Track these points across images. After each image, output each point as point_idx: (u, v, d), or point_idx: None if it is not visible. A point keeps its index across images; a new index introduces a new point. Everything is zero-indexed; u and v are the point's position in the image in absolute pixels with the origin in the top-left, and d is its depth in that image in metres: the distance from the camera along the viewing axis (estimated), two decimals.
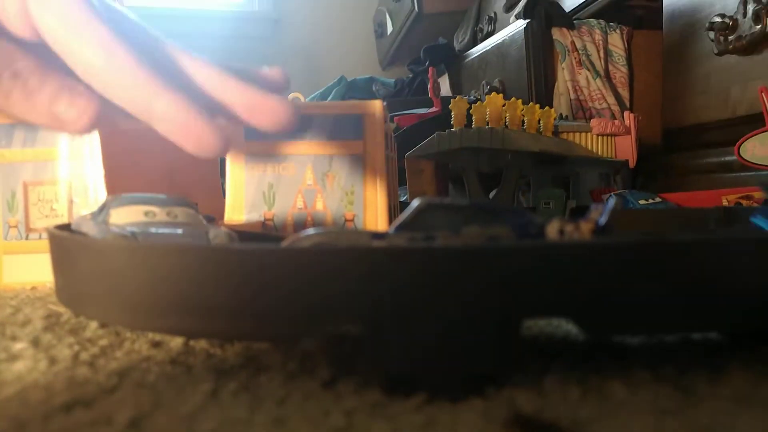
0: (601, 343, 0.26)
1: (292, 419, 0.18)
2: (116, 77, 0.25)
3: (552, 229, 0.22)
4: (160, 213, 0.26)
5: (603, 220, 0.23)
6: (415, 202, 0.23)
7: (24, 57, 0.26)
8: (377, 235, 0.23)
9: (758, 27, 0.78)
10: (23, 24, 0.25)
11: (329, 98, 1.38)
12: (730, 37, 0.84)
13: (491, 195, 0.81)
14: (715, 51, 0.87)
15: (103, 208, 0.27)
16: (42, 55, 0.26)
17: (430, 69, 1.11)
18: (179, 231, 0.26)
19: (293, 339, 0.25)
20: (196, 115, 0.25)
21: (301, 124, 0.41)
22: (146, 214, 0.26)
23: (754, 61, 0.81)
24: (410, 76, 1.46)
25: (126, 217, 0.25)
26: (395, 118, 1.02)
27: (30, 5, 0.25)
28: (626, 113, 1.00)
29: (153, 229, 0.25)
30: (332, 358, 0.23)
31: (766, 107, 0.72)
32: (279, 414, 0.18)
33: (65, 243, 0.24)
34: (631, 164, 0.89)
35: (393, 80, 1.50)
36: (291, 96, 0.47)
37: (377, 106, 0.40)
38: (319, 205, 0.39)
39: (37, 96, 0.25)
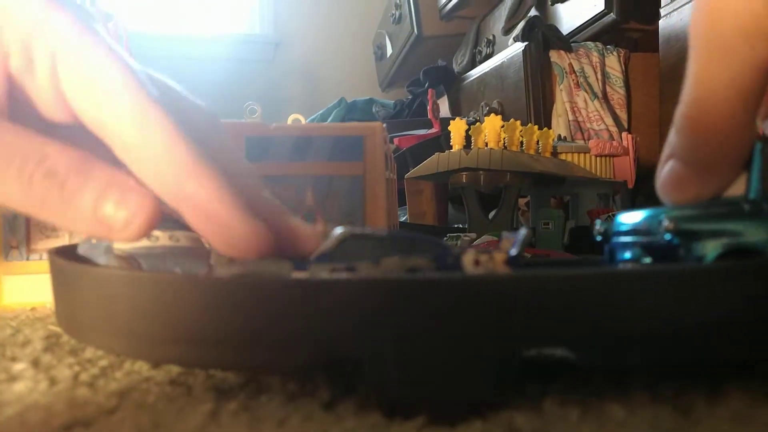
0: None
1: None
2: (147, 149, 0.20)
3: (468, 260, 0.23)
4: (162, 237, 0.26)
5: (514, 251, 0.24)
6: (337, 231, 0.24)
7: (59, 151, 0.20)
8: (299, 265, 0.23)
9: None
10: (55, 102, 0.21)
11: (329, 119, 1.40)
12: None
13: (491, 215, 0.81)
14: None
15: None
16: (81, 144, 0.21)
17: (430, 91, 1.13)
18: (180, 258, 0.26)
19: (296, 370, 0.24)
20: (233, 208, 0.21)
21: (302, 146, 0.42)
22: (149, 238, 0.26)
23: None
24: (410, 97, 1.48)
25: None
26: (395, 139, 1.03)
27: (62, 77, 0.21)
28: (624, 134, 1.01)
29: (151, 256, 0.25)
30: (332, 380, 0.23)
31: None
32: None
33: (65, 269, 0.24)
34: (630, 184, 0.90)
35: (392, 102, 1.52)
36: (291, 118, 0.48)
37: (377, 127, 0.40)
38: (319, 227, 0.39)
39: (79, 198, 0.20)
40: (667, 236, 0.24)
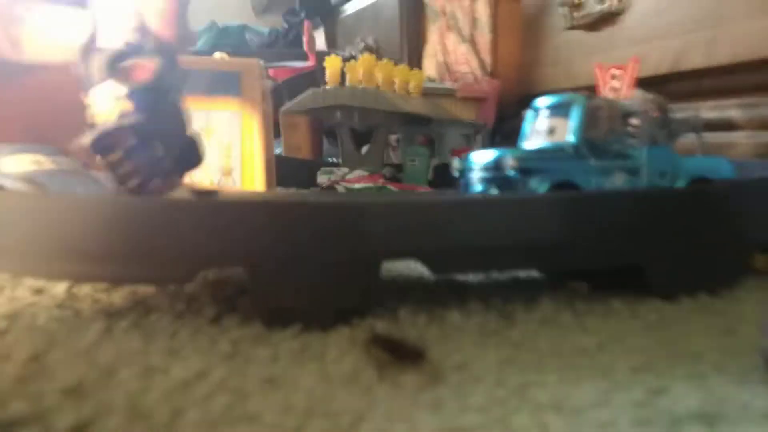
0: (447, 281, 0.31)
1: (185, 349, 0.20)
2: None
3: None
4: (46, 162, 0.26)
5: None
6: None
7: None
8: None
9: (601, 6, 0.88)
10: None
11: (199, 44, 1.33)
12: (577, 14, 0.93)
13: (363, 151, 0.84)
14: (565, 26, 0.96)
15: None
16: None
17: (306, 22, 1.11)
18: (75, 180, 0.26)
19: (181, 282, 0.27)
20: None
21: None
22: (34, 162, 0.26)
23: (596, 37, 0.92)
24: (285, 26, 1.44)
25: (15, 166, 0.25)
26: (270, 70, 1.02)
27: None
28: (487, 78, 1.09)
29: (52, 177, 0.25)
30: (217, 300, 0.26)
31: (598, 80, 0.82)
32: (172, 345, 0.21)
33: None
34: (490, 125, 0.97)
35: (267, 30, 1.47)
36: None
37: (255, 64, 0.41)
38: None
39: None
40: (510, 172, 0.30)
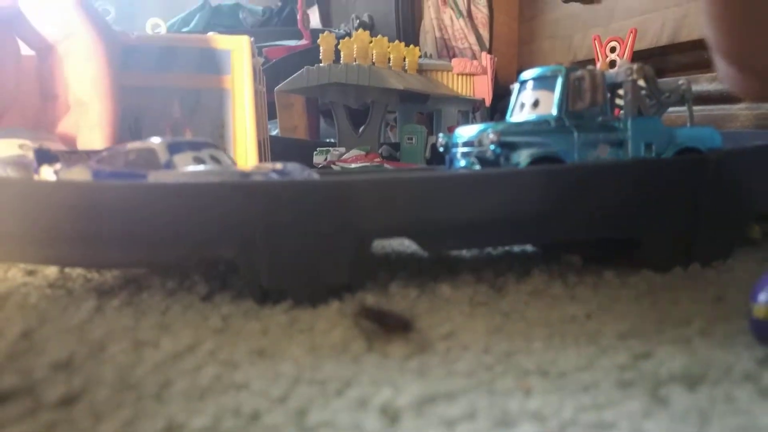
0: (440, 257, 0.31)
1: (175, 324, 0.21)
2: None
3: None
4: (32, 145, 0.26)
5: None
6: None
7: None
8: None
9: None
10: None
11: (192, 24, 1.31)
12: None
13: (360, 130, 0.84)
14: None
15: None
16: None
17: (300, 0, 1.10)
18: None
19: (171, 266, 0.27)
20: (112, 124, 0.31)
21: (168, 56, 0.41)
22: (21, 147, 0.26)
23: (594, 9, 0.91)
24: (279, 4, 1.43)
25: (3, 150, 0.26)
26: (264, 49, 1.01)
27: None
28: (484, 54, 1.07)
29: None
30: (209, 277, 0.26)
31: (597, 53, 0.81)
32: (163, 321, 0.21)
33: None
34: (487, 102, 0.97)
35: (261, 8, 1.45)
36: (150, 23, 0.46)
37: (245, 41, 0.41)
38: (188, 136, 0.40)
39: None
40: (492, 147, 0.29)
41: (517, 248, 0.33)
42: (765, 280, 0.18)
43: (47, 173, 0.26)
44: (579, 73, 0.30)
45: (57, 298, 0.23)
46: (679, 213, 0.27)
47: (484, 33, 1.27)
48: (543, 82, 0.32)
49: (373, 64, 0.75)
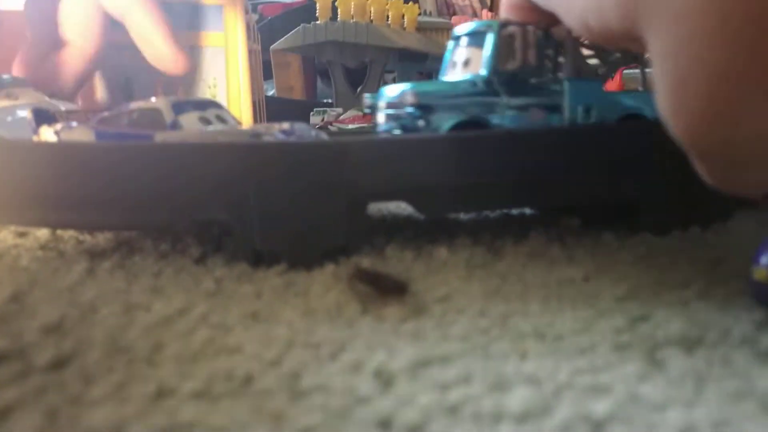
0: (437, 220, 0.31)
1: (168, 287, 0.20)
2: None
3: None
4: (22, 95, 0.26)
5: None
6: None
7: None
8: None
9: None
10: None
11: None
12: None
13: (358, 90, 0.83)
14: None
15: None
16: None
17: None
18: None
19: (166, 227, 0.26)
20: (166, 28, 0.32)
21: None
22: (8, 96, 0.25)
23: None
24: None
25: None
26: (259, 6, 0.99)
27: None
28: (485, 11, 1.05)
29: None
30: (202, 240, 0.26)
31: None
32: (155, 284, 0.21)
33: None
34: None
35: None
36: None
37: None
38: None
39: None
40: (409, 109, 0.27)
41: (515, 211, 0.33)
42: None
43: (47, 134, 0.26)
44: (510, 29, 0.27)
45: (48, 260, 0.23)
46: (675, 176, 0.27)
47: None
48: (475, 39, 0.28)
49: (371, 21, 0.73)
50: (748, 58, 0.14)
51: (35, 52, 0.37)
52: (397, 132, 0.28)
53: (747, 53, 0.14)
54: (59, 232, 0.27)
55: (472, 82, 0.27)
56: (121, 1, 0.33)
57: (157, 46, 0.34)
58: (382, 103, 0.29)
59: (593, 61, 0.31)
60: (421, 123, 0.26)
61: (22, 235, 0.26)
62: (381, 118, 0.29)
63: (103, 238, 0.26)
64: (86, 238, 0.26)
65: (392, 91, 0.28)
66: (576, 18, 0.20)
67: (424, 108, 0.26)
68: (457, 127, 0.27)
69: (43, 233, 0.27)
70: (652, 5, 0.15)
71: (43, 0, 0.37)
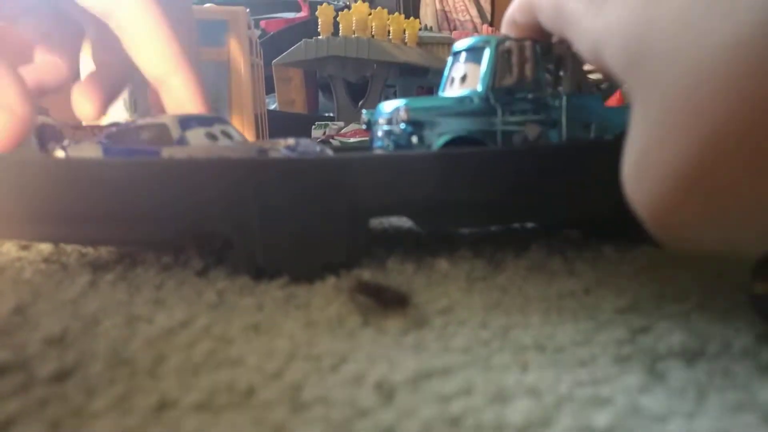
0: (439, 233, 0.31)
1: (170, 300, 0.20)
2: (144, 40, 0.28)
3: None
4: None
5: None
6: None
7: None
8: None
9: None
10: None
11: None
12: None
13: (359, 104, 0.83)
14: None
15: None
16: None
17: None
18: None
19: (166, 243, 0.26)
20: (200, 98, 0.29)
21: None
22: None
23: None
24: None
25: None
26: (261, 22, 1.00)
27: None
28: (485, 27, 1.06)
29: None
30: (204, 253, 0.26)
31: None
32: (157, 296, 0.21)
33: None
34: None
35: None
36: None
37: (240, 12, 0.40)
38: None
39: None
40: (402, 125, 0.27)
41: (515, 224, 0.33)
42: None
43: (54, 150, 0.26)
44: (507, 44, 0.27)
45: (51, 273, 0.23)
46: None
47: (486, 5, 1.25)
48: (473, 54, 0.29)
49: (373, 36, 0.74)
50: (714, 168, 0.13)
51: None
52: (390, 148, 0.27)
53: (717, 165, 0.13)
54: (62, 245, 0.27)
55: (468, 99, 0.27)
56: (162, 68, 0.29)
57: (189, 109, 0.30)
58: (380, 119, 0.29)
59: (595, 75, 0.31)
60: (414, 139, 0.26)
61: (25, 247, 0.26)
62: (379, 133, 0.29)
63: (105, 251, 0.26)
64: (89, 250, 0.26)
65: (388, 107, 0.28)
66: (586, 48, 0.20)
67: (417, 124, 0.26)
68: (450, 143, 0.26)
69: (46, 246, 0.27)
70: (651, 71, 0.15)
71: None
